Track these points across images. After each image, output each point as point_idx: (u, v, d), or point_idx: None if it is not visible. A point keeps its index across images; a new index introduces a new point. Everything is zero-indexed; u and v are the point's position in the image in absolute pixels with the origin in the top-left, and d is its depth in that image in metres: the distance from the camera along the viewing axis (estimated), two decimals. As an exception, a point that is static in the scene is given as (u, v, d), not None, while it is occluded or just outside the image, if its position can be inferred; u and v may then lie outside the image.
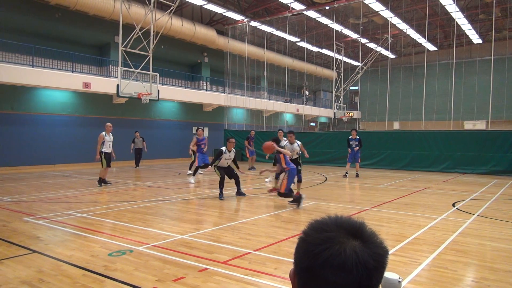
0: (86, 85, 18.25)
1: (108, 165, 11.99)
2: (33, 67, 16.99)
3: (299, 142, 10.64)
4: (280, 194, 8.85)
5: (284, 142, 11.36)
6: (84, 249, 5.37)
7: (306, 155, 12.00)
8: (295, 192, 9.14)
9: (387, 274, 2.62)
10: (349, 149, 15.58)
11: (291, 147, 10.54)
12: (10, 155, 16.88)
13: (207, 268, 4.58)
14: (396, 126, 32.47)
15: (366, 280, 0.86)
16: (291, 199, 9.02)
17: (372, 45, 31.26)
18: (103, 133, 11.98)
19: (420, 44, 31.51)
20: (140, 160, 19.30)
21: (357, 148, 15.29)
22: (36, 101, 17.91)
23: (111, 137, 12.12)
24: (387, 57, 30.18)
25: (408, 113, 30.91)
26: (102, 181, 11.99)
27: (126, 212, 8.05)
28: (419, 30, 28.42)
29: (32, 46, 17.26)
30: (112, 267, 4.61)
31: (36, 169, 17.29)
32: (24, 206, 8.55)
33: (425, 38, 27.07)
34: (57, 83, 17.38)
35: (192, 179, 13.35)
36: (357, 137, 15.39)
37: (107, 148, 11.94)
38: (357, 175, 15.34)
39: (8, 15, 17.33)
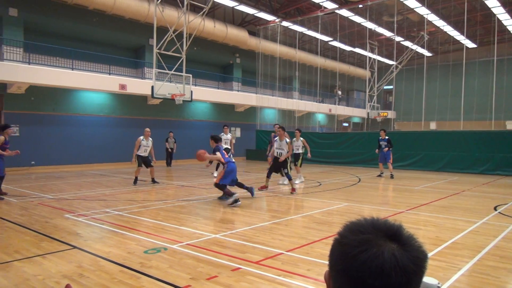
0: (122, 86, 18.79)
1: (140, 165, 12.25)
2: (72, 70, 17.68)
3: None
4: (215, 185, 8.88)
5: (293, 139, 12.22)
6: (121, 246, 5.52)
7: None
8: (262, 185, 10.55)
9: (426, 279, 2.54)
10: (376, 150, 15.47)
11: (279, 143, 10.84)
12: (52, 154, 17.63)
13: (239, 268, 4.60)
14: (433, 126, 31.48)
15: (405, 285, 0.84)
16: (223, 195, 9.09)
17: (407, 43, 30.47)
18: (141, 137, 12.32)
19: (458, 41, 30.42)
20: (171, 160, 19.78)
21: (386, 148, 15.04)
22: (75, 103, 18.63)
23: (149, 142, 12.39)
24: (423, 55, 29.29)
25: (445, 113, 29.89)
26: (135, 180, 12.35)
27: (161, 210, 8.22)
28: (457, 26, 27.43)
29: (72, 50, 17.96)
30: (148, 264, 4.72)
31: (75, 168, 17.97)
32: (65, 203, 8.90)
33: (463, 35, 26.11)
34: (95, 85, 18.00)
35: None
36: (386, 137, 15.21)
37: (143, 152, 12.26)
38: (391, 176, 15.01)
39: (50, 20, 18.10)
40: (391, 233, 0.90)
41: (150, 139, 12.47)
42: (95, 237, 6.10)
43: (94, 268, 4.59)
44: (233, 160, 9.32)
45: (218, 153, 9.04)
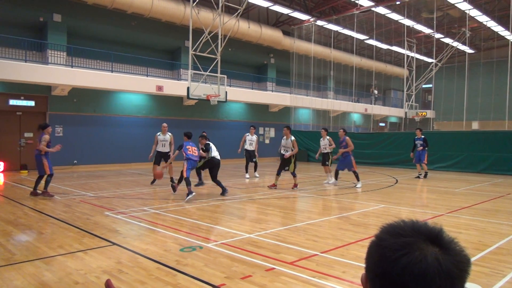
0: (159, 88, 19.25)
1: (156, 163, 12.31)
2: (112, 72, 18.28)
3: (292, 138, 11.48)
4: (184, 179, 9.75)
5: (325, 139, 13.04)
6: (158, 243, 5.65)
7: (287, 155, 11.73)
8: (272, 183, 11.64)
9: (469, 285, 2.45)
10: (411, 153, 15.28)
11: (285, 142, 11.54)
12: (93, 154, 18.31)
13: (274, 268, 4.60)
14: (475, 126, 30.21)
15: None
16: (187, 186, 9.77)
17: (447, 40, 29.39)
18: (158, 133, 12.56)
19: (503, 37, 29.00)
20: None
21: (421, 148, 14.78)
22: (115, 104, 19.27)
23: (167, 136, 12.44)
24: (465, 52, 28.18)
25: (489, 112, 28.63)
26: (153, 181, 12.54)
27: (196, 209, 8.34)
28: (502, 21, 26.18)
29: (111, 53, 18.58)
30: (184, 262, 4.80)
31: (115, 167, 18.57)
32: (105, 201, 9.22)
33: (508, 30, 24.84)
34: (133, 86, 18.55)
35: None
36: (422, 136, 14.99)
37: (161, 147, 12.44)
38: (425, 175, 14.83)
39: (91, 25, 18.81)
40: (432, 236, 0.87)
41: (169, 134, 12.50)
42: (133, 234, 6.27)
43: (132, 264, 4.73)
44: (195, 158, 9.91)
45: (177, 151, 10.41)
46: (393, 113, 35.48)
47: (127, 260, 4.87)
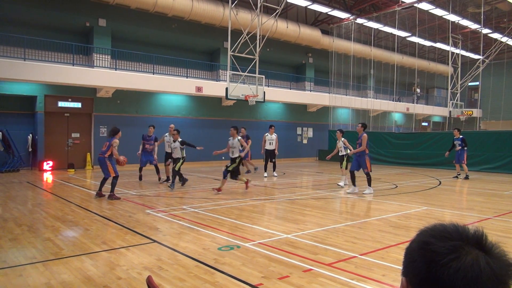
0: (198, 89, 19.59)
1: (164, 163, 12.62)
2: (153, 74, 18.80)
3: (239, 137, 10.96)
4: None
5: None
6: (197, 242, 5.75)
7: (242, 154, 11.30)
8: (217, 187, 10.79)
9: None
10: (447, 152, 15.10)
11: (232, 142, 10.95)
12: (135, 153, 18.85)
13: (311, 269, 4.56)
14: (526, 125, 28.56)
15: None
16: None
17: (496, 35, 27.97)
18: (166, 134, 12.68)
19: (557, 31, 27.25)
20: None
21: (459, 147, 14.53)
22: (156, 105, 19.81)
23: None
24: (515, 47, 26.73)
25: (542, 111, 26.97)
26: (167, 178, 12.70)
27: (234, 209, 8.42)
28: (557, 14, 24.61)
29: (152, 55, 19.11)
30: (222, 260, 4.86)
31: (155, 167, 19.04)
32: (146, 200, 9.50)
33: None
34: (173, 88, 19.00)
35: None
36: (461, 136, 14.70)
37: (167, 148, 12.62)
38: (466, 177, 14.42)
39: (134, 28, 19.44)
40: (478, 240, 0.86)
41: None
42: (173, 232, 6.42)
43: (172, 261, 4.84)
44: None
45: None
46: (436, 112, 34.24)
47: (167, 258, 4.99)
